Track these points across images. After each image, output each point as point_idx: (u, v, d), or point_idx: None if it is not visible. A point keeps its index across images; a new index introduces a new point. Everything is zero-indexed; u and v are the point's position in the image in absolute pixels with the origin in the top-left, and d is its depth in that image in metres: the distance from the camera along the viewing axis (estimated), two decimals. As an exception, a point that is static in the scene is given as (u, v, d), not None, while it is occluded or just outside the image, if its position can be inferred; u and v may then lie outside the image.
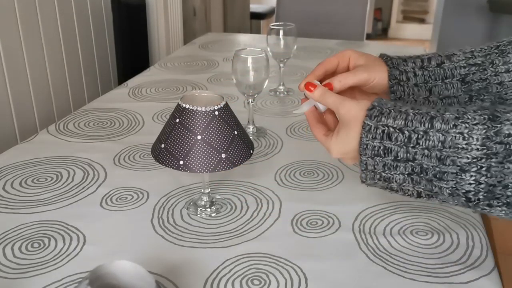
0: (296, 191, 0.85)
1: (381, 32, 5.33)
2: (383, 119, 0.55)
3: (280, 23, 1.24)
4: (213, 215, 0.79)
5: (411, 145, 0.53)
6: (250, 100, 1.05)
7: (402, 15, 5.40)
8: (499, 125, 0.49)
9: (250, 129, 1.08)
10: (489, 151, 0.49)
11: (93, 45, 1.88)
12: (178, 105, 0.71)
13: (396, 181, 0.56)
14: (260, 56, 0.98)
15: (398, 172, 0.55)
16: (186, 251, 0.70)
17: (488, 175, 0.50)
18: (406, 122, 0.54)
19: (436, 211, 0.80)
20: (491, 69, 0.61)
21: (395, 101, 0.60)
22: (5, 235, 0.73)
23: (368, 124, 0.56)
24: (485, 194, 0.51)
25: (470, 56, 0.63)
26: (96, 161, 0.95)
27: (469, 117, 0.51)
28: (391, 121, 0.54)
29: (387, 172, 0.56)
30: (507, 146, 0.49)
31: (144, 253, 0.69)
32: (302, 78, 1.44)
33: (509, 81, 0.61)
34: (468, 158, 0.50)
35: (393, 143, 0.54)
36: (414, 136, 0.53)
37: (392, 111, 0.55)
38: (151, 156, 0.96)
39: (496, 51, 0.62)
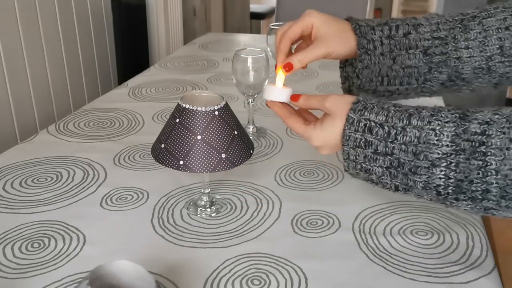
0: (296, 191, 0.85)
1: (381, 32, 5.33)
2: (366, 113, 0.57)
3: (280, 23, 1.24)
4: (213, 215, 0.79)
5: (390, 140, 0.56)
6: (250, 100, 1.05)
7: (402, 15, 5.40)
8: (467, 124, 0.52)
9: (250, 129, 1.08)
10: (458, 148, 0.52)
11: (93, 45, 1.88)
12: (178, 105, 0.71)
13: (375, 174, 0.58)
14: (260, 56, 0.98)
15: (377, 165, 0.57)
16: (186, 251, 0.70)
17: (457, 171, 0.52)
18: (387, 118, 0.56)
19: (436, 211, 0.80)
20: (453, 44, 0.63)
21: (379, 98, 0.62)
22: (5, 235, 0.73)
23: (352, 117, 0.58)
24: (454, 189, 0.53)
25: (435, 28, 0.64)
26: (96, 161, 0.95)
27: (442, 115, 0.54)
28: (373, 116, 0.57)
29: (367, 163, 0.58)
30: (473, 143, 0.51)
31: (144, 253, 0.69)
32: (302, 78, 1.44)
33: (467, 57, 0.63)
34: (438, 153, 0.53)
35: (374, 137, 0.56)
36: (393, 132, 0.55)
37: (375, 106, 0.57)
38: (151, 156, 0.96)
39: (460, 25, 0.64)
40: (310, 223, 0.77)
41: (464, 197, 0.53)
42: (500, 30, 0.62)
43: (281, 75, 0.68)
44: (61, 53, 1.69)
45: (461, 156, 0.52)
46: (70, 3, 1.71)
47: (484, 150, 0.51)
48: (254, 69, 0.98)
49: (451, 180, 0.53)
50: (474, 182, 0.52)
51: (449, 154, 0.53)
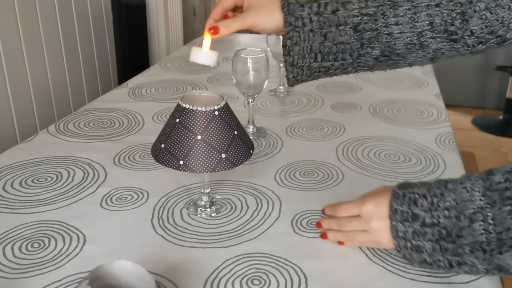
0: (296, 191, 0.85)
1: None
2: (409, 188, 0.62)
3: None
4: (213, 215, 0.79)
5: (434, 208, 0.58)
6: (250, 100, 1.05)
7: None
8: (492, 176, 0.56)
9: (250, 129, 1.08)
10: (490, 200, 0.54)
11: (93, 45, 1.88)
12: (178, 105, 0.71)
13: (426, 251, 0.59)
14: (260, 56, 0.98)
15: (427, 239, 0.59)
16: (186, 251, 0.70)
17: (495, 223, 0.54)
18: (428, 189, 0.60)
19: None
20: (382, 20, 0.64)
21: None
22: (5, 235, 0.73)
23: (397, 192, 0.62)
24: (496, 243, 0.54)
25: (364, 5, 0.65)
26: (96, 161, 0.95)
27: (472, 175, 0.58)
28: (416, 189, 0.61)
29: (416, 239, 0.59)
30: (500, 192, 0.54)
31: (144, 253, 0.69)
32: (302, 78, 1.44)
33: (398, 32, 0.64)
34: (474, 208, 0.55)
35: (419, 208, 0.59)
36: (435, 200, 0.58)
37: (417, 183, 0.62)
38: (151, 156, 0.96)
39: (388, 2, 0.64)
40: (310, 223, 0.77)
41: (508, 248, 0.54)
42: (430, 7, 0.63)
43: (208, 39, 0.71)
44: (61, 53, 1.69)
45: (495, 208, 0.54)
46: (70, 3, 1.71)
47: (510, 195, 0.53)
48: (254, 69, 0.98)
49: (492, 235, 0.54)
50: (511, 228, 0.53)
51: (483, 208, 0.55)
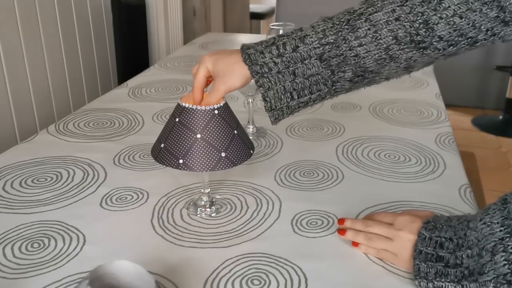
0: (296, 191, 0.85)
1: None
2: (436, 232, 0.62)
3: (280, 23, 1.24)
4: (213, 215, 0.79)
5: (458, 249, 0.59)
6: (250, 100, 1.05)
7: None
8: (508, 205, 0.56)
9: (250, 129, 1.08)
10: (509, 229, 0.54)
11: (93, 45, 1.88)
12: (178, 104, 0.71)
13: None
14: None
15: (449, 280, 0.58)
16: (186, 251, 0.70)
17: None
18: (455, 232, 0.60)
19: (435, 211, 0.80)
20: (345, 45, 0.64)
21: (448, 217, 0.65)
22: (5, 235, 0.73)
23: (424, 234, 0.62)
24: None
25: (322, 36, 0.65)
26: (96, 161, 0.95)
27: (490, 208, 0.58)
28: (443, 233, 0.61)
29: (438, 280, 0.59)
30: None
31: (144, 253, 0.69)
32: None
33: (364, 52, 0.64)
34: (494, 240, 0.55)
35: (445, 251, 0.60)
36: (460, 242, 0.59)
37: (444, 226, 0.62)
38: (151, 156, 0.96)
39: (347, 26, 0.64)
40: (310, 223, 0.77)
41: None
42: (389, 23, 0.62)
43: None
44: (61, 53, 1.69)
45: None
46: (70, 3, 1.71)
47: None
48: None
49: None
50: None
51: (503, 238, 0.54)
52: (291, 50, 0.66)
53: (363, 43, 0.63)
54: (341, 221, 0.72)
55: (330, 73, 0.66)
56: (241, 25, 3.46)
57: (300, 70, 0.66)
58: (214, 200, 0.82)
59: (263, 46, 0.68)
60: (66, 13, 1.69)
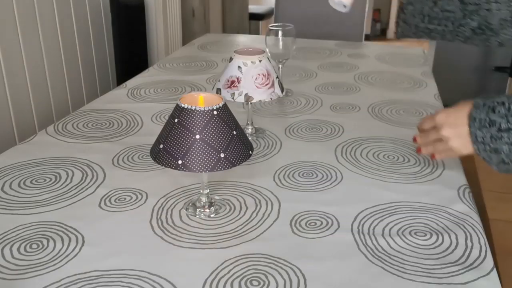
0: (295, 192, 0.85)
1: (380, 33, 5.33)
2: (490, 98, 0.69)
3: (279, 24, 1.24)
4: (212, 216, 0.79)
5: (510, 114, 0.66)
6: (249, 102, 1.05)
7: (401, 16, 5.39)
8: None
9: (249, 130, 1.08)
10: None
11: (91, 46, 1.88)
12: (177, 105, 0.71)
13: (504, 152, 0.68)
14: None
15: (504, 142, 0.67)
16: (185, 251, 0.70)
17: None
18: (508, 97, 0.67)
19: (434, 211, 0.80)
20: None
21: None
22: (4, 236, 0.73)
23: (478, 102, 0.69)
24: None
25: None
26: (95, 162, 0.95)
27: None
28: (496, 98, 0.68)
29: (494, 143, 0.68)
30: None
31: (143, 254, 0.69)
32: (301, 79, 1.44)
33: (496, 9, 0.76)
34: None
35: (497, 115, 0.67)
36: None
37: (495, 96, 0.69)
38: (150, 157, 0.96)
39: None
40: (309, 223, 0.77)
41: None
42: None
43: None
44: (60, 54, 1.69)
45: None
46: (68, 3, 1.71)
47: None
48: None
49: None
50: None
51: None
52: None
53: (498, 1, 0.75)
54: (415, 139, 0.83)
55: (462, 16, 0.78)
56: (240, 26, 3.46)
57: (441, 2, 0.79)
58: (213, 201, 0.82)
59: None
60: (65, 13, 1.69)
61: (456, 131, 0.73)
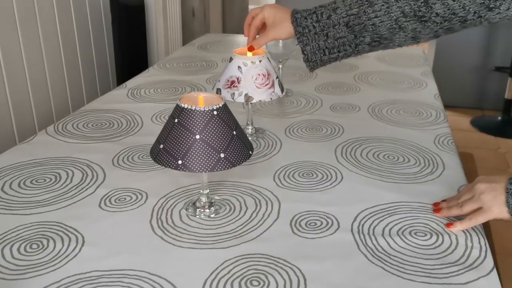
0: (295, 192, 0.85)
1: (380, 33, 5.33)
2: None
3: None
4: (212, 216, 0.79)
5: None
6: (249, 102, 1.05)
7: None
8: None
9: (249, 130, 1.08)
10: None
11: (91, 46, 1.88)
12: (177, 105, 0.71)
13: None
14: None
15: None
16: (185, 252, 0.70)
17: None
18: None
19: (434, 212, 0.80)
20: (364, 16, 0.83)
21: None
22: (4, 236, 0.73)
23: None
24: None
25: (348, 8, 0.84)
26: (95, 162, 0.95)
27: None
28: None
29: None
30: None
31: (143, 254, 0.69)
32: (301, 79, 1.44)
33: (379, 22, 0.82)
34: None
35: None
36: None
37: None
38: (150, 157, 0.96)
39: (366, 2, 0.83)
40: (309, 224, 0.77)
41: None
42: (398, 1, 0.80)
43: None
44: (60, 54, 1.69)
45: None
46: (68, 4, 1.71)
47: None
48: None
49: None
50: None
51: None
52: (326, 18, 0.86)
53: (378, 15, 0.81)
54: (436, 206, 0.80)
55: (353, 37, 0.85)
56: (240, 25, 3.46)
57: (331, 33, 0.86)
58: (213, 201, 0.82)
59: (307, 13, 0.88)
60: (65, 13, 1.69)
61: (496, 194, 0.72)
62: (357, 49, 0.86)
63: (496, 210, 0.71)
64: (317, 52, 0.88)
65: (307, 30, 0.87)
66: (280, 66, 1.28)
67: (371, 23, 0.82)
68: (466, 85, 3.31)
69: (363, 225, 0.76)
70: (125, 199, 0.83)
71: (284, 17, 0.91)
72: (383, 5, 0.81)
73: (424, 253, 0.70)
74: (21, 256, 0.68)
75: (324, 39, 0.87)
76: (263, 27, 0.97)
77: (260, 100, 0.95)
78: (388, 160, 0.97)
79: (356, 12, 0.83)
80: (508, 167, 2.55)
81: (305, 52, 0.89)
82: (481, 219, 0.73)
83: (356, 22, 0.84)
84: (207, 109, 0.69)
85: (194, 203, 0.81)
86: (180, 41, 2.47)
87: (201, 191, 0.80)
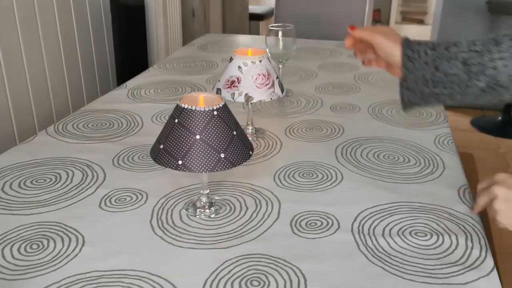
0: (295, 192, 0.85)
1: (380, 33, 5.33)
2: None
3: (279, 24, 1.24)
4: (212, 216, 0.79)
5: None
6: (249, 102, 1.05)
7: (401, 16, 5.40)
8: None
9: (249, 130, 1.08)
10: None
11: (92, 46, 1.88)
12: (177, 105, 0.71)
13: None
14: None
15: None
16: (185, 252, 0.70)
17: None
18: None
19: (435, 212, 0.80)
20: (488, 56, 0.71)
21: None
22: (4, 236, 0.73)
23: None
24: None
25: (471, 44, 0.74)
26: (95, 162, 0.95)
27: None
28: None
29: None
30: None
31: (143, 254, 0.69)
32: (301, 79, 1.44)
33: (502, 66, 0.71)
34: None
35: None
36: None
37: None
38: (150, 157, 0.96)
39: (492, 41, 0.72)
40: (309, 224, 0.77)
41: None
42: None
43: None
44: (60, 54, 1.69)
45: None
46: (69, 4, 1.71)
47: None
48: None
49: None
50: None
51: None
52: (443, 48, 0.74)
53: (503, 57, 0.70)
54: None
55: (467, 78, 0.73)
56: (240, 26, 3.46)
57: (443, 67, 0.74)
58: (213, 201, 0.82)
59: (423, 41, 0.77)
60: (65, 13, 1.69)
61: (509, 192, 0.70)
62: (466, 92, 0.74)
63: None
64: (419, 82, 0.76)
65: (417, 55, 0.75)
66: (280, 66, 1.28)
67: (492, 66, 0.71)
68: (466, 85, 3.31)
69: (363, 225, 0.76)
70: (125, 199, 0.83)
71: (392, 37, 0.79)
72: (510, 46, 0.70)
73: (424, 253, 0.70)
74: (22, 256, 0.68)
75: (433, 71, 0.74)
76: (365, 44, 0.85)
77: (260, 100, 0.95)
78: (388, 160, 0.97)
79: (479, 50, 0.72)
80: (508, 167, 2.55)
81: (406, 79, 0.77)
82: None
83: (476, 61, 0.72)
84: (207, 109, 0.69)
85: (194, 203, 0.81)
86: (180, 41, 2.47)
87: (201, 191, 0.80)
